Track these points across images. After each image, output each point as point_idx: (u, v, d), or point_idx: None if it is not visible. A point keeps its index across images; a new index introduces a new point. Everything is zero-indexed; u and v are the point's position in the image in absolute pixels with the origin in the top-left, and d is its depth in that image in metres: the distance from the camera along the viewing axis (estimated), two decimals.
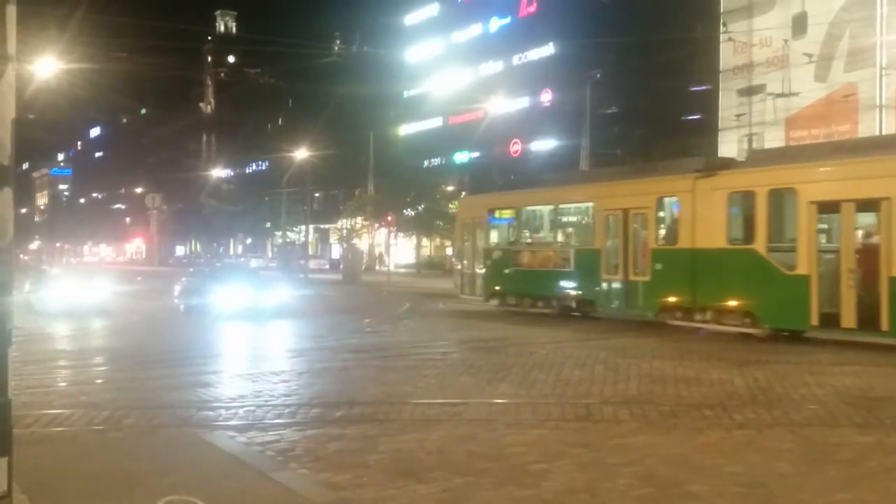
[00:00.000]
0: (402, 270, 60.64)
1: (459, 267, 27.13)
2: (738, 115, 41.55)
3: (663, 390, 11.25)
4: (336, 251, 69.66)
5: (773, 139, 40.34)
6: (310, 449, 8.09)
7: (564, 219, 23.28)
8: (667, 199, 19.49)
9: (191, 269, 37.54)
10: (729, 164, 19.75)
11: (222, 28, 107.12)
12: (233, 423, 9.37)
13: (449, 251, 62.90)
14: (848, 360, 13.76)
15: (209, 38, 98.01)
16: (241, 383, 12.36)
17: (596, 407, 10.04)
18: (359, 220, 64.23)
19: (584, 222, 22.40)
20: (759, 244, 16.84)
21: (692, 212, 18.25)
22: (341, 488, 6.73)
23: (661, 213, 19.70)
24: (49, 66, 28.15)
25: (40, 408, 10.01)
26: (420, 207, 57.50)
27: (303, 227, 68.40)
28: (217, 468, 7.30)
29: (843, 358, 14.11)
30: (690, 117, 44.28)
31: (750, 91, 41.45)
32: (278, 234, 74.73)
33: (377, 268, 59.11)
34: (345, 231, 67.96)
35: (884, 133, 36.18)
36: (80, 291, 26.01)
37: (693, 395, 10.94)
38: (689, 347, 15.88)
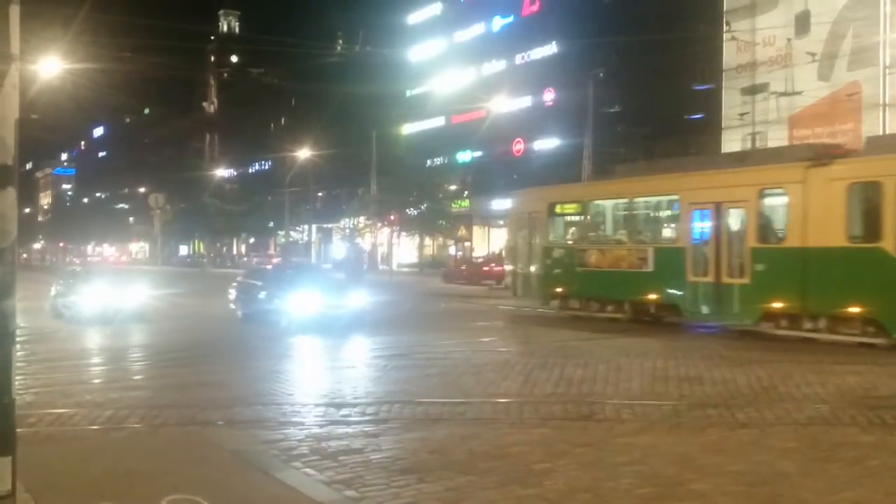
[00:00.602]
0: (406, 270, 60.66)
1: (512, 267, 25.20)
2: (742, 114, 41.49)
3: (666, 389, 11.24)
4: (338, 251, 69.64)
5: (777, 138, 40.29)
6: (313, 448, 8.10)
7: (642, 214, 21.09)
8: (771, 192, 17.35)
9: (247, 269, 32.56)
10: (842, 151, 18.13)
11: (225, 28, 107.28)
12: (236, 422, 9.38)
13: (452, 250, 62.95)
14: (851, 360, 13.74)
15: (212, 37, 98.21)
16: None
17: (599, 406, 10.04)
18: (362, 219, 64.24)
19: (666, 217, 20.36)
20: (888, 242, 14.99)
21: (803, 205, 16.25)
22: (344, 487, 6.74)
23: (764, 208, 17.50)
24: (52, 65, 28.18)
25: (45, 407, 10.04)
26: (423, 207, 57.46)
27: (306, 226, 68.43)
28: (221, 467, 7.30)
29: (846, 357, 14.09)
30: (693, 116, 44.25)
31: (753, 90, 41.39)
32: (281, 233, 74.74)
33: (380, 267, 59.11)
34: (347, 230, 67.97)
35: (887, 131, 36.16)
36: (116, 295, 22.62)
37: (696, 393, 10.93)
38: (691, 346, 15.87)
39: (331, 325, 18.99)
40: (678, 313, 19.18)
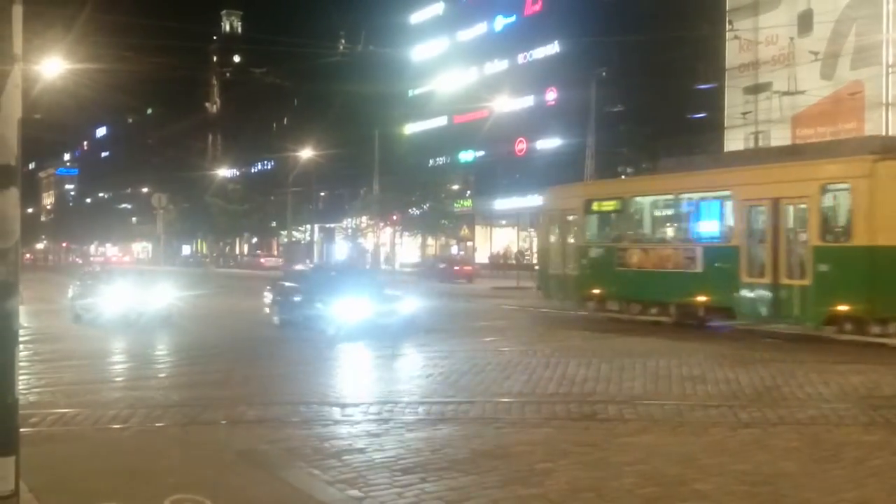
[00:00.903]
0: (408, 270, 60.65)
1: (544, 267, 23.78)
2: (744, 114, 41.46)
3: (669, 389, 11.24)
4: (340, 251, 69.72)
5: (780, 137, 40.25)
6: (316, 448, 8.10)
7: (690, 210, 19.61)
8: (834, 187, 16.27)
9: (284, 272, 30.20)
10: None
11: (228, 28, 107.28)
12: (239, 421, 9.39)
13: (454, 250, 62.92)
14: (854, 359, 13.72)
15: (215, 37, 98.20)
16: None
17: (601, 406, 10.03)
18: (364, 219, 64.26)
19: (717, 215, 19.10)
20: None
21: (870, 201, 15.30)
22: (347, 486, 6.74)
23: (827, 204, 16.43)
24: (55, 65, 28.19)
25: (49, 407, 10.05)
26: (425, 206, 57.46)
27: (308, 226, 68.45)
28: (224, 467, 7.31)
29: (849, 357, 14.08)
30: (696, 115, 44.19)
31: (756, 89, 41.35)
32: (283, 233, 74.77)
33: (382, 267, 59.11)
34: (350, 230, 68.00)
35: (890, 130, 36.13)
36: (139, 297, 20.90)
37: (699, 393, 10.93)
38: (694, 346, 15.85)
39: (381, 332, 17.18)
40: (730, 316, 18.04)
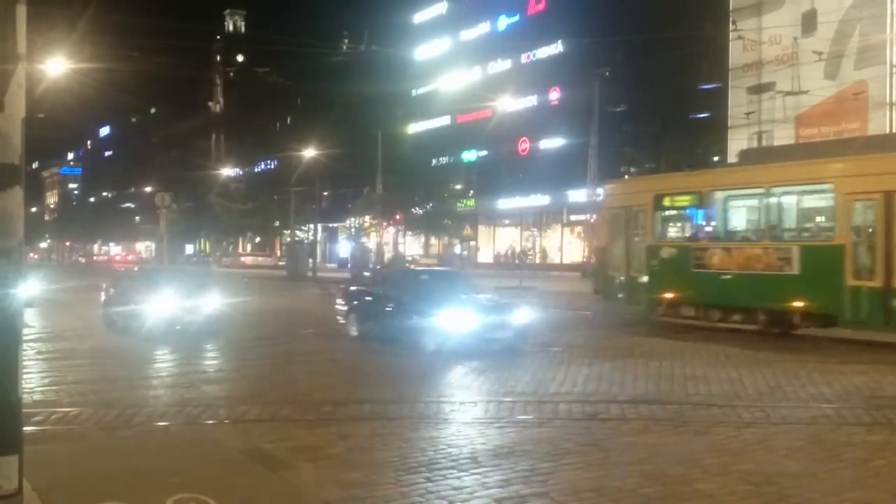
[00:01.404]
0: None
1: (604, 269, 21.91)
2: (748, 113, 41.42)
3: (671, 389, 11.23)
4: (344, 250, 69.76)
5: (783, 137, 40.21)
6: (320, 446, 8.11)
7: (783, 206, 17.75)
8: None
9: (361, 275, 25.30)
10: None
11: (231, 27, 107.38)
12: (242, 421, 9.40)
13: (457, 249, 62.92)
14: (857, 359, 13.71)
15: (218, 37, 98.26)
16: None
17: (604, 405, 10.03)
18: (367, 218, 64.31)
19: (817, 210, 17.53)
20: None
21: None
22: (351, 486, 6.75)
23: None
24: (59, 65, 28.26)
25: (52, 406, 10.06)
26: (428, 206, 57.50)
27: (311, 225, 68.49)
28: (227, 466, 7.31)
29: (852, 357, 14.07)
30: (700, 115, 44.18)
31: (759, 89, 41.33)
32: (286, 232, 74.79)
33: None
34: (353, 230, 68.05)
35: (894, 130, 36.08)
36: (187, 302, 17.99)
37: (701, 393, 10.92)
38: (697, 346, 15.84)
39: (489, 349, 14.48)
40: (830, 323, 16.35)
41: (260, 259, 76.69)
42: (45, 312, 23.81)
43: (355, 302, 17.82)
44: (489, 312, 15.33)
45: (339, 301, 18.64)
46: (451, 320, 14.67)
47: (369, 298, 17.44)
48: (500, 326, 14.97)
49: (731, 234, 18.80)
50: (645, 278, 19.73)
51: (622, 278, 20.53)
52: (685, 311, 19.06)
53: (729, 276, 17.84)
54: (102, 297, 21.02)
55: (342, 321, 17.98)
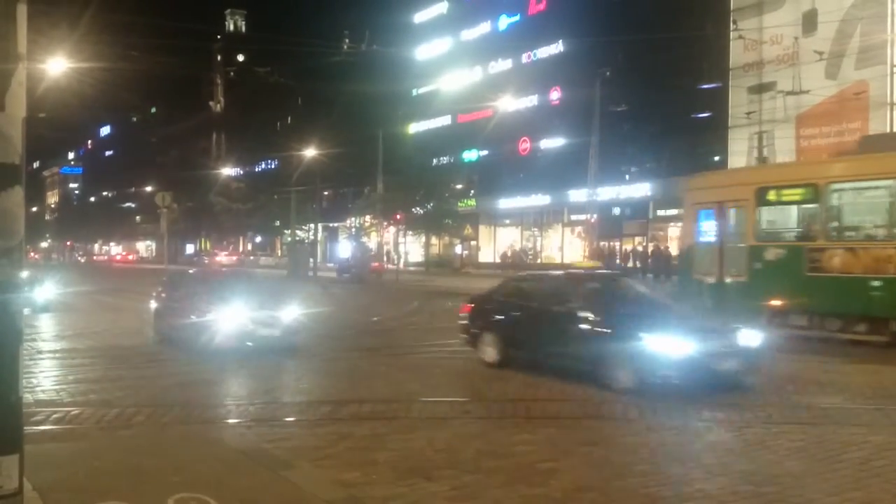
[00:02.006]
0: (412, 269, 60.72)
1: (689, 271, 19.64)
2: (749, 113, 41.42)
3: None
4: (344, 250, 69.76)
5: (784, 137, 40.21)
6: (320, 447, 8.11)
7: None
8: None
9: (504, 280, 17.33)
10: None
11: (232, 27, 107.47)
12: (242, 420, 9.40)
13: (458, 249, 62.90)
14: (859, 359, 13.69)
15: (219, 36, 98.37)
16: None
17: (605, 405, 10.02)
18: (368, 218, 64.30)
19: None
20: None
21: None
22: (351, 486, 6.74)
23: None
24: (59, 64, 28.25)
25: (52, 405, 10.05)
26: (429, 206, 57.52)
27: (311, 225, 68.54)
28: (227, 466, 7.31)
29: (855, 357, 14.04)
30: (700, 115, 44.18)
31: (760, 89, 41.32)
32: (287, 232, 74.84)
33: (386, 266, 59.16)
34: (353, 229, 68.08)
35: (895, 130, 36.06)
36: (262, 313, 15.01)
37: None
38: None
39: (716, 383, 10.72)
40: None
41: (262, 259, 76.93)
42: (72, 320, 21.99)
43: (496, 318, 13.41)
44: (710, 337, 11.25)
45: (464, 316, 14.16)
46: (666, 344, 10.64)
47: (518, 314, 13.10)
48: (727, 354, 11.04)
49: (857, 231, 16.62)
50: (741, 283, 17.67)
51: (711, 283, 18.47)
52: (796, 321, 16.63)
53: (853, 281, 15.54)
54: (152, 305, 17.96)
55: (467, 339, 13.86)
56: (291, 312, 15.43)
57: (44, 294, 24.88)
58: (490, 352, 13.06)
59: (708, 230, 19.10)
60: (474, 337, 13.62)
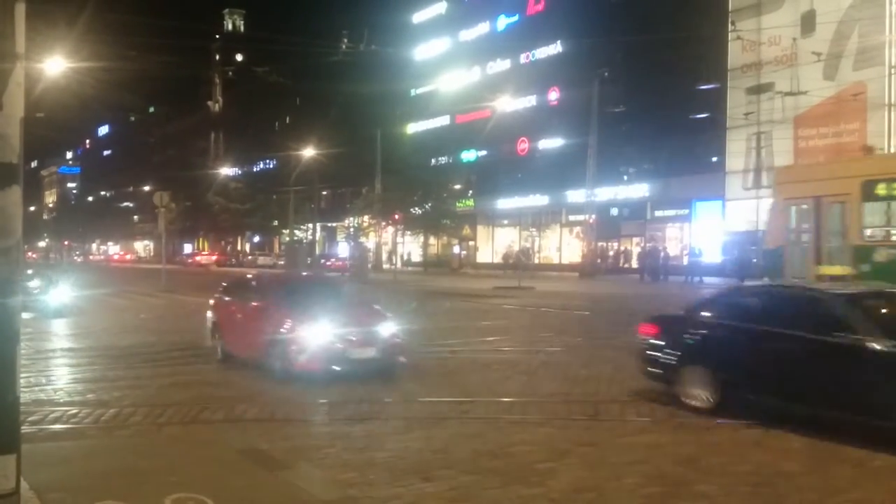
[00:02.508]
0: (410, 269, 60.73)
1: (781, 272, 17.76)
2: (747, 114, 41.46)
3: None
4: (342, 250, 69.77)
5: (782, 138, 40.26)
6: (317, 447, 8.11)
7: None
8: None
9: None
10: None
11: (230, 27, 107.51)
12: (239, 420, 9.39)
13: (456, 249, 62.91)
14: None
15: (217, 36, 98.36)
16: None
17: (603, 405, 10.02)
18: (366, 218, 64.34)
19: None
20: None
21: None
22: (348, 486, 6.74)
23: None
24: (58, 64, 28.21)
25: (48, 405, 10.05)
26: (427, 206, 57.55)
27: (310, 225, 68.60)
28: (225, 466, 7.30)
29: None
30: (698, 116, 44.21)
31: (758, 89, 41.36)
32: (285, 232, 74.87)
33: (385, 266, 59.18)
34: (352, 229, 68.11)
35: (892, 131, 36.12)
36: (349, 330, 11.93)
37: None
38: None
39: None
40: None
41: (260, 259, 77.11)
42: (104, 330, 19.58)
43: (708, 346, 9.74)
44: None
45: (650, 341, 10.55)
46: None
47: (752, 342, 9.22)
48: None
49: None
50: None
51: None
52: None
53: None
54: (210, 317, 14.63)
55: (655, 373, 10.41)
56: (389, 327, 12.28)
57: (59, 297, 23.52)
58: (700, 394, 9.48)
59: (799, 228, 17.36)
60: (670, 371, 10.01)
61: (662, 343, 10.21)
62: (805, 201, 17.36)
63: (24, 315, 17.99)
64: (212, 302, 15.12)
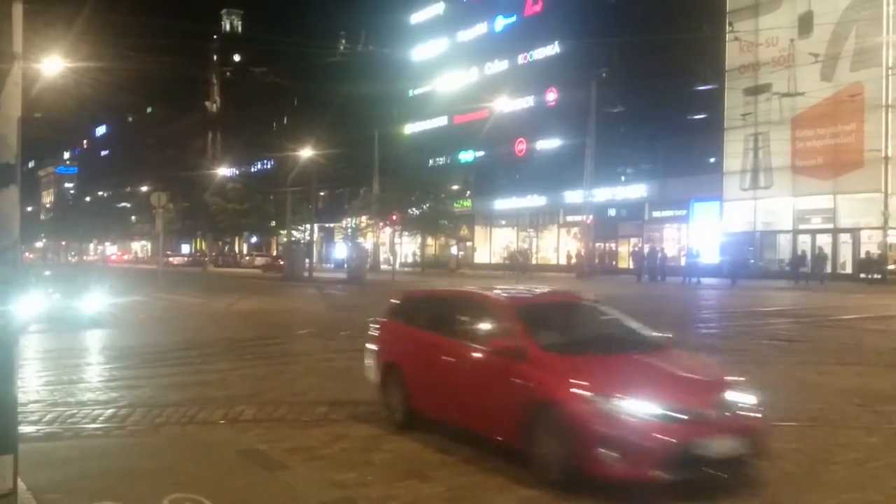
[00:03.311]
0: (408, 269, 60.70)
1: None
2: (744, 115, 41.54)
3: None
4: (340, 251, 69.77)
5: (779, 139, 40.32)
6: (315, 447, 8.10)
7: None
8: None
9: None
10: None
11: (228, 27, 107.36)
12: (237, 421, 9.38)
13: (454, 250, 62.91)
14: (855, 360, 13.70)
15: (215, 36, 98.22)
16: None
17: None
18: (364, 219, 64.31)
19: None
20: None
21: None
22: (346, 486, 6.73)
23: None
24: (55, 64, 28.17)
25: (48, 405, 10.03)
26: (425, 206, 57.54)
27: (307, 226, 68.54)
28: (222, 466, 7.29)
29: (850, 358, 14.04)
30: (696, 116, 44.28)
31: (756, 90, 41.43)
32: (283, 232, 74.84)
33: (382, 266, 59.17)
34: (349, 230, 68.09)
35: (889, 132, 36.20)
36: None
37: None
38: (695, 346, 15.78)
39: None
40: None
41: (258, 259, 77.07)
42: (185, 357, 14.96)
43: None
44: None
45: None
46: None
47: None
48: None
49: None
50: None
51: None
52: None
53: None
54: (374, 349, 9.58)
55: None
56: (744, 394, 6.90)
57: (92, 305, 20.83)
58: None
59: None
60: None
61: None
62: None
63: (38, 326, 17.65)
64: (377, 329, 9.78)
